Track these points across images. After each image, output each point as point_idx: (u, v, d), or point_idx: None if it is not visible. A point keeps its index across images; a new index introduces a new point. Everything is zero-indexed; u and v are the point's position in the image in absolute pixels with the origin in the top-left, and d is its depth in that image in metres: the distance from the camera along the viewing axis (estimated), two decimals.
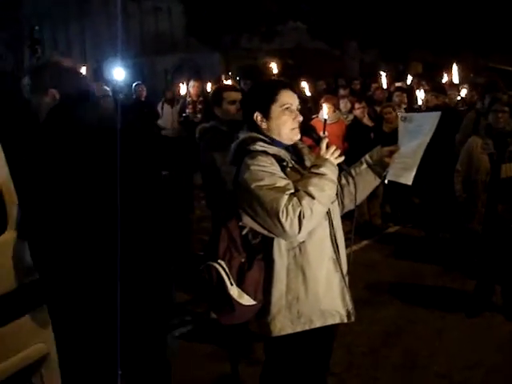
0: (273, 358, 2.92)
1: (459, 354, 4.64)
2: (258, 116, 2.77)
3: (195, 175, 9.29)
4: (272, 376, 2.97)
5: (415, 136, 3.05)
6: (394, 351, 4.72)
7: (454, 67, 9.94)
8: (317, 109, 8.31)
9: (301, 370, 2.86)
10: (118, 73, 9.77)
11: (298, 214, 2.50)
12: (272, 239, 2.69)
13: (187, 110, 9.59)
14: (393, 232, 8.28)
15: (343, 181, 2.98)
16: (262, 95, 2.81)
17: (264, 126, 2.78)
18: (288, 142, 2.82)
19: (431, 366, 4.49)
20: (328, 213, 2.76)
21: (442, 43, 18.52)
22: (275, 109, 2.76)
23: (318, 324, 2.77)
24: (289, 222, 2.50)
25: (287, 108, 2.77)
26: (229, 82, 9.86)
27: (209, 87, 10.52)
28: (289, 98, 2.79)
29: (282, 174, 2.64)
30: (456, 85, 9.63)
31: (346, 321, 2.84)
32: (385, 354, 4.67)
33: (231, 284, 2.59)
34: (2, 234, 2.68)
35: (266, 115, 2.77)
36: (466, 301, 5.47)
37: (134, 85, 9.98)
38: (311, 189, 2.55)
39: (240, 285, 2.61)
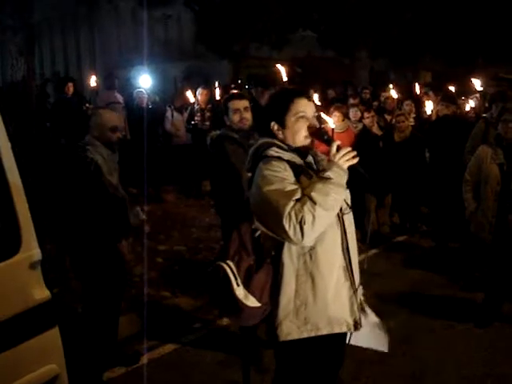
0: (282, 364, 2.94)
1: (468, 363, 4.63)
2: (274, 126, 2.84)
3: (204, 182, 9.33)
4: (283, 383, 2.97)
5: None
6: (402, 361, 4.70)
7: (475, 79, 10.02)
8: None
9: (309, 377, 2.86)
10: (145, 80, 9.66)
11: (299, 220, 2.51)
12: (282, 243, 2.70)
13: (196, 118, 9.59)
14: (401, 241, 8.26)
15: None
16: (277, 106, 2.86)
17: (280, 135, 2.83)
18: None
19: (439, 375, 4.47)
20: (340, 221, 2.78)
21: (452, 53, 18.55)
22: (289, 118, 2.81)
23: (324, 331, 2.77)
24: (292, 228, 2.52)
25: (301, 116, 2.81)
26: (235, 91, 9.87)
27: (217, 95, 10.53)
28: (303, 106, 2.82)
29: (293, 180, 2.66)
30: (466, 94, 9.66)
31: (352, 330, 2.85)
32: (393, 364, 4.64)
33: (237, 285, 2.61)
34: (16, 255, 2.67)
35: (282, 125, 2.82)
36: (475, 311, 5.45)
37: (134, 91, 9.76)
38: (313, 194, 2.56)
39: (247, 286, 2.64)
